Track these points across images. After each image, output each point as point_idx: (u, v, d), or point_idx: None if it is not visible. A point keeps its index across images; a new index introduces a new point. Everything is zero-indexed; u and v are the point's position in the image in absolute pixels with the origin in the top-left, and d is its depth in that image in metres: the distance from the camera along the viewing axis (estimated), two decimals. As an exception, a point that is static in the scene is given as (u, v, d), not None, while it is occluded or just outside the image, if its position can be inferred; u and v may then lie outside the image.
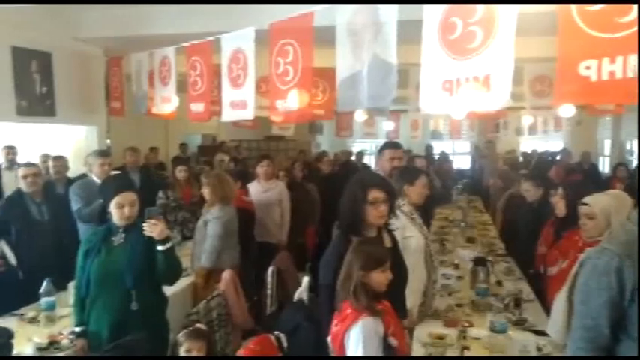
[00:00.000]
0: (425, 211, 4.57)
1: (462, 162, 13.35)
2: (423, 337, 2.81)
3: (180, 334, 2.37)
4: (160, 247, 2.63)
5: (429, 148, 11.00)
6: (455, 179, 9.04)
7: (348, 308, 2.05)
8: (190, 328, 2.38)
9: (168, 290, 3.50)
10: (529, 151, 11.68)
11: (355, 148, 12.20)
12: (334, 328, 2.10)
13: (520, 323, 3.00)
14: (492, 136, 11.29)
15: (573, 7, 2.03)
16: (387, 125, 11.05)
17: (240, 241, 4.24)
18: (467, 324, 2.95)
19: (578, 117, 10.21)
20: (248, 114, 3.95)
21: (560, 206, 3.28)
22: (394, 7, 2.76)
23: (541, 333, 2.81)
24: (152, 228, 2.60)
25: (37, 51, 5.33)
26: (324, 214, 6.05)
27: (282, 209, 5.25)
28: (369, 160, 12.11)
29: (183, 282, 3.95)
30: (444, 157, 10.36)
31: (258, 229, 5.04)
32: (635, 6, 1.89)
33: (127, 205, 2.64)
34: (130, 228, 2.69)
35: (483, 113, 6.72)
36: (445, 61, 2.49)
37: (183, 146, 9.94)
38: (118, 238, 2.70)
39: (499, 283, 3.78)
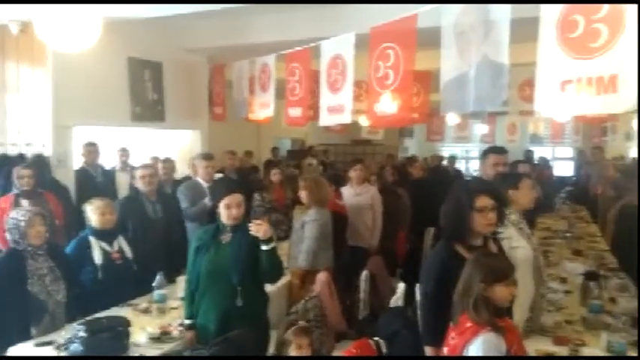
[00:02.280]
0: (525, 220, 4.33)
1: (563, 168, 12.47)
2: (530, 354, 2.65)
3: (289, 333, 2.42)
4: (264, 247, 2.71)
5: (528, 153, 10.32)
6: (556, 187, 8.47)
7: (468, 322, 1.96)
8: (297, 326, 2.43)
9: (266, 289, 3.64)
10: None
11: (444, 152, 11.86)
12: (451, 340, 2.02)
13: (638, 345, 2.73)
14: (599, 141, 10.42)
15: None
16: (480, 128, 10.62)
17: (333, 244, 4.27)
18: (579, 342, 2.74)
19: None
20: (345, 118, 3.98)
21: (691, 219, 2.95)
22: (507, 6, 2.63)
23: (665, 358, 2.55)
24: (257, 228, 2.68)
25: (150, 61, 5.78)
26: (415, 220, 5.94)
27: (374, 213, 5.22)
28: (460, 165, 11.71)
29: (279, 282, 4.06)
30: (544, 162, 9.74)
31: (350, 233, 5.05)
32: None
33: (234, 205, 2.75)
34: (237, 227, 2.80)
35: (591, 116, 6.22)
36: (564, 60, 2.34)
37: (275, 150, 10.26)
38: (225, 237, 2.82)
39: (612, 300, 3.48)
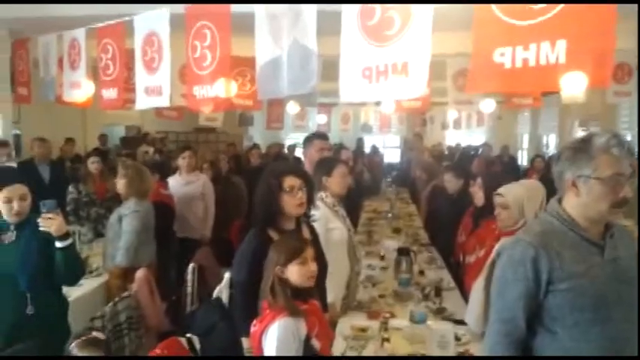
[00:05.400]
0: (353, 203, 4.54)
1: (392, 155, 13.63)
2: (345, 330, 2.76)
3: (73, 344, 2.14)
4: (58, 244, 2.40)
5: (359, 142, 11.07)
6: (384, 172, 9.18)
7: (267, 308, 1.95)
8: (84, 338, 2.15)
9: (75, 292, 3.25)
10: (454, 145, 12.12)
11: (289, 141, 12.06)
12: (253, 328, 1.99)
13: (440, 312, 3.02)
14: (420, 130, 11.57)
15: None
16: (319, 118, 11.01)
17: (159, 237, 4.01)
18: (388, 315, 2.92)
19: (498, 112, 10.68)
20: (164, 101, 3.70)
21: (478, 196, 3.34)
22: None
23: (460, 322, 2.84)
24: (48, 223, 2.36)
25: None
26: (251, 207, 5.89)
27: (206, 203, 5.06)
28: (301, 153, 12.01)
29: (94, 283, 3.68)
30: (374, 150, 10.52)
31: (178, 224, 4.81)
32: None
33: (15, 198, 2.38)
34: (23, 224, 2.44)
35: (409, 106, 6.81)
36: (365, 48, 2.42)
37: (102, 137, 9.38)
38: (8, 236, 2.43)
39: (422, 272, 3.81)
